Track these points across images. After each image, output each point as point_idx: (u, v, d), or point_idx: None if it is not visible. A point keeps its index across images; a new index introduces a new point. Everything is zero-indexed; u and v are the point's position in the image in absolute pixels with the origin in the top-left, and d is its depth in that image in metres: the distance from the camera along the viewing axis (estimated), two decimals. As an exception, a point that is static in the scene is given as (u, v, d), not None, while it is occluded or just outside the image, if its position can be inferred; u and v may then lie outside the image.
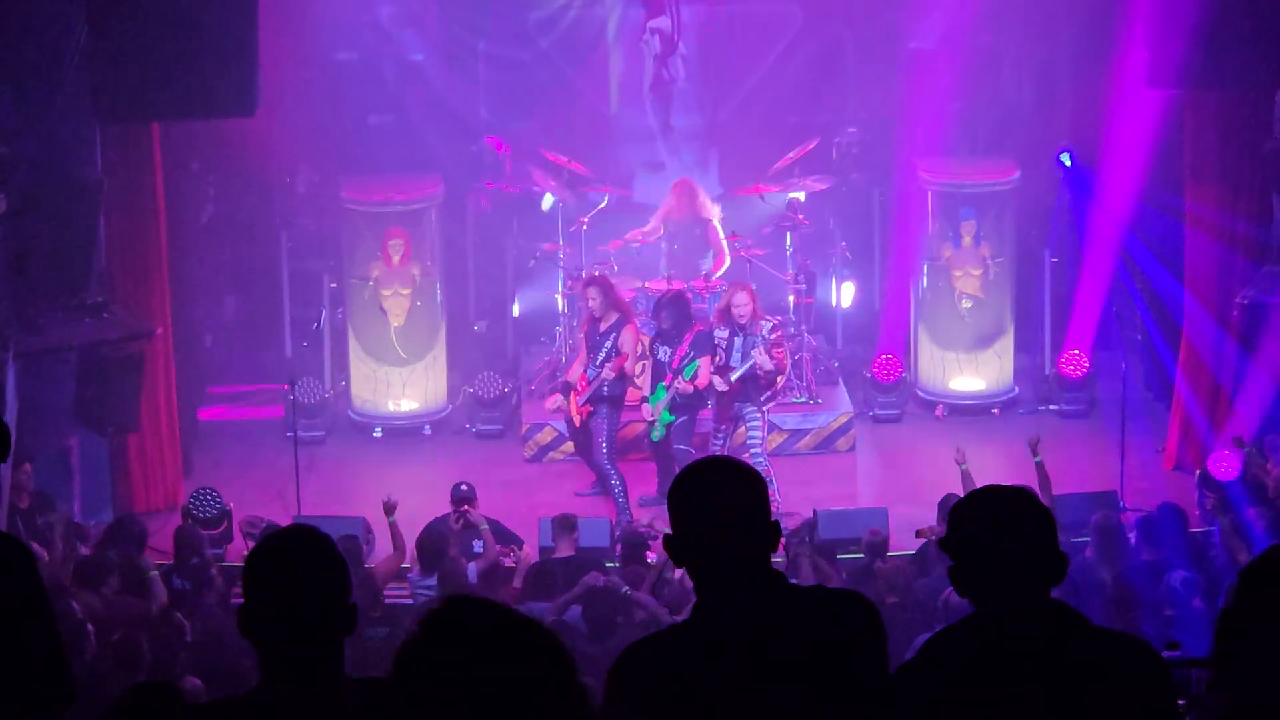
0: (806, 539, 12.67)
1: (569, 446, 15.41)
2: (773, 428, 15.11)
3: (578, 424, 14.55)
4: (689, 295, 14.88)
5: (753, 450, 14.20)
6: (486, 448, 16.13)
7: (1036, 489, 12.26)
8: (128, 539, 12.50)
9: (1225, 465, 13.64)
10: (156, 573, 12.10)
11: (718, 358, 14.21)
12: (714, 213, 15.96)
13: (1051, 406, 16.52)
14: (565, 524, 12.86)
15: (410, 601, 12.31)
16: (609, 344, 14.24)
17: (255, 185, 16.76)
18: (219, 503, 14.05)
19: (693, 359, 14.22)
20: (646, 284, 15.59)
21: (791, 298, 16.11)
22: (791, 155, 16.21)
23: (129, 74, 13.04)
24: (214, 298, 17.17)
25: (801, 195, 16.14)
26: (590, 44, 17.54)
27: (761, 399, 14.26)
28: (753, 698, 3.97)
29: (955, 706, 4.02)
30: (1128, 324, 16.56)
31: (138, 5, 12.99)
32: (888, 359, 16.40)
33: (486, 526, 13.03)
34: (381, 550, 13.28)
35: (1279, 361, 14.45)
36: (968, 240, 16.27)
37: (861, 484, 15.55)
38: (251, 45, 13.21)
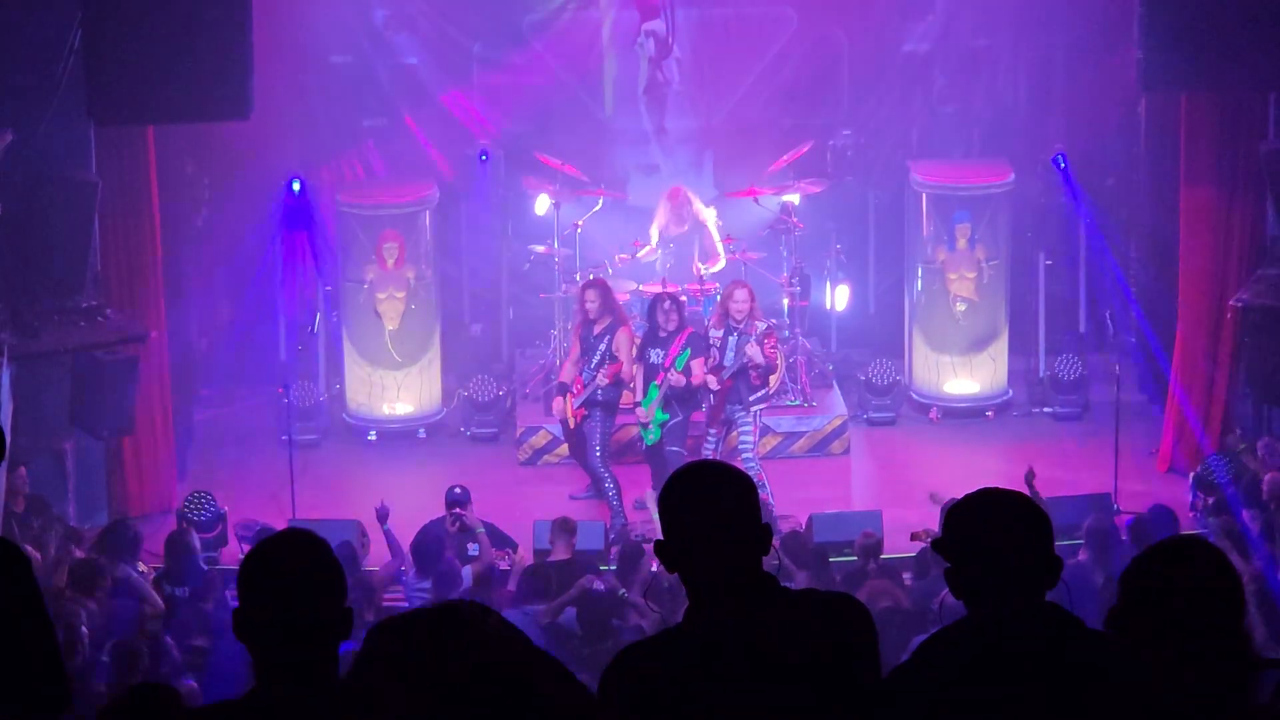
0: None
1: (563, 449, 15.40)
2: (767, 431, 15.08)
3: (572, 426, 14.55)
4: (683, 298, 14.88)
5: (744, 455, 14.18)
6: (481, 451, 16.12)
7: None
8: (121, 544, 12.48)
9: (1220, 469, 13.65)
10: (151, 576, 12.10)
11: (711, 358, 14.20)
12: (709, 216, 15.96)
13: (1046, 409, 16.52)
14: (565, 527, 12.85)
15: (406, 605, 12.29)
16: (603, 346, 14.26)
17: (249, 188, 16.73)
18: (214, 506, 14.03)
19: (686, 351, 14.20)
20: (641, 287, 15.61)
21: (786, 301, 16.12)
22: (786, 158, 16.20)
23: (124, 77, 13.02)
24: (208, 301, 17.14)
25: (796, 198, 16.10)
26: (585, 47, 17.51)
27: (751, 399, 14.21)
28: (746, 701, 3.97)
29: (952, 708, 4.02)
30: (1122, 326, 16.56)
31: (132, 8, 12.97)
32: None
33: (482, 529, 13.03)
34: (376, 554, 13.27)
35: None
36: (962, 243, 16.25)
37: (856, 487, 15.56)
38: (246, 48, 13.20)
